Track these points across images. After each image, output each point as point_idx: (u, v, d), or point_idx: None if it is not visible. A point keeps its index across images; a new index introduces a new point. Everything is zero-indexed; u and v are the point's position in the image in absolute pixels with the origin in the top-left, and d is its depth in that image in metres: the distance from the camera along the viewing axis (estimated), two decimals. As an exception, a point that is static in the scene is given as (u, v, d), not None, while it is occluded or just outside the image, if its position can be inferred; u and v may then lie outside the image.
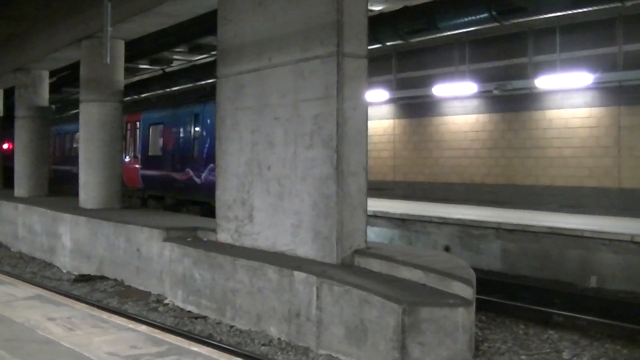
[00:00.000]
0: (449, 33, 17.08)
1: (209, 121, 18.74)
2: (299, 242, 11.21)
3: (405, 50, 24.12)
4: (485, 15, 15.22)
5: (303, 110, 11.18)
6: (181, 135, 20.63)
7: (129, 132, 23.31)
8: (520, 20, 15.82)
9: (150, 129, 22.62)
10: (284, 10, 11.68)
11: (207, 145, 18.84)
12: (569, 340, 10.80)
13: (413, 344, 8.73)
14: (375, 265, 10.46)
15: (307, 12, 11.20)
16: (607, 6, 14.85)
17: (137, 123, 23.14)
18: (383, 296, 9.00)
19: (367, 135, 10.94)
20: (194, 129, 19.91)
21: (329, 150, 10.64)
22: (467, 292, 9.32)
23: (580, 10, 14.95)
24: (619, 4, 14.24)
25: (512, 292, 13.99)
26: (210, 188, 16.11)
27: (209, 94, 19.64)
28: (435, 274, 9.70)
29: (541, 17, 16.08)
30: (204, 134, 19.24)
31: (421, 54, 24.14)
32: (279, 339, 10.34)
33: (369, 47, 11.27)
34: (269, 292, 10.66)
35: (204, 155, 18.95)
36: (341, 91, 10.56)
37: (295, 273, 10.23)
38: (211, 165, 17.14)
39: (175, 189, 20.70)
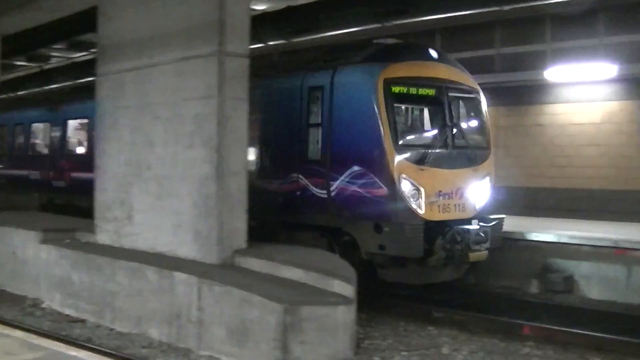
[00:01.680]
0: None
1: (344, 98, 12.47)
2: (179, 242, 11.14)
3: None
4: (369, 17, 15.37)
5: (184, 109, 11.11)
6: (279, 122, 13.62)
7: None
8: (403, 22, 15.84)
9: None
10: (166, 8, 11.58)
11: (341, 137, 12.47)
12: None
13: (294, 343, 8.77)
14: (256, 265, 10.50)
15: (190, 11, 11.14)
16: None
17: None
18: (264, 296, 9.02)
19: (247, 134, 10.95)
20: (314, 112, 12.99)
21: (210, 150, 10.60)
22: (348, 290, 9.45)
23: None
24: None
25: None
26: (346, 205, 12.30)
27: (339, 54, 13.40)
28: (316, 272, 9.80)
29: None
30: (335, 119, 12.54)
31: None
32: (159, 341, 10.21)
33: (251, 47, 11.28)
34: (148, 293, 10.52)
35: (336, 153, 12.48)
36: (222, 90, 10.53)
37: (176, 274, 10.13)
38: (354, 168, 12.12)
39: (266, 207, 13.22)
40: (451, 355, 9.94)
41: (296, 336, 8.77)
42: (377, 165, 11.95)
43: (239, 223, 10.86)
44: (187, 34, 11.13)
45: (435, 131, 12.70)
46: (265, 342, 8.89)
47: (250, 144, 11.96)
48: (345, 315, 9.16)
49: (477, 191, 12.55)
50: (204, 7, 10.89)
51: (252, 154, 12.96)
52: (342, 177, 12.19)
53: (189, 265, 10.48)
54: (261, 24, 16.62)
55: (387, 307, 12.54)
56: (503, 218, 12.86)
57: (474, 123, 13.30)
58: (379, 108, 11.88)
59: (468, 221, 12.33)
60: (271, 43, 18.04)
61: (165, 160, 11.37)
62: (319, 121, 12.66)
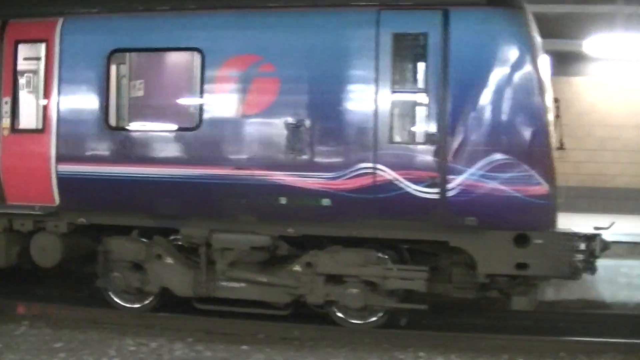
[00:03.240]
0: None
1: (472, 55, 9.46)
2: None
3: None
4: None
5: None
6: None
7: None
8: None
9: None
10: None
11: (471, 110, 9.38)
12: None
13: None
14: None
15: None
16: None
17: None
18: None
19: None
20: (407, 71, 9.91)
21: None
22: None
23: None
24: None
25: None
26: (472, 209, 9.42)
27: None
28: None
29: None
30: (456, 83, 9.41)
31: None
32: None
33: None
34: None
35: (460, 133, 9.38)
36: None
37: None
38: (494, 157, 9.27)
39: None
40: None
41: None
42: (532, 153, 9.37)
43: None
44: None
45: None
46: None
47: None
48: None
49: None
50: None
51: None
52: (471, 169, 9.35)
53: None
54: None
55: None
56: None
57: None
58: (537, 72, 9.41)
59: None
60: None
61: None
62: (422, 86, 9.57)
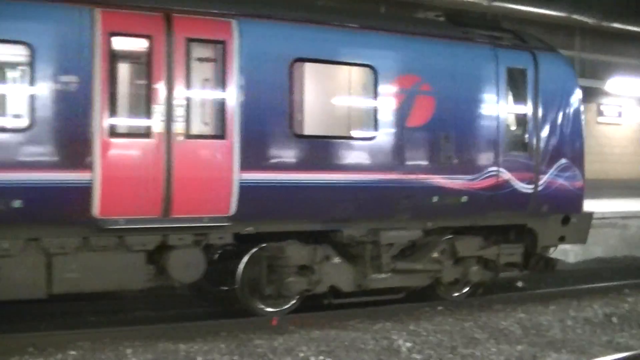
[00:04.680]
0: None
1: (551, 87, 12.94)
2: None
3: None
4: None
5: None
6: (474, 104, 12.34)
7: None
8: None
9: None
10: None
11: (549, 128, 12.90)
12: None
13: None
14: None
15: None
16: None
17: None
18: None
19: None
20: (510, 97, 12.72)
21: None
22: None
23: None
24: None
25: None
26: (547, 199, 12.87)
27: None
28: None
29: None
30: (543, 108, 12.86)
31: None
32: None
33: None
34: None
35: (545, 145, 12.89)
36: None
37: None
38: (561, 161, 13.08)
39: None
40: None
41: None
42: (579, 158, 13.28)
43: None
44: None
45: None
46: None
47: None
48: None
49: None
50: None
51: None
52: (550, 171, 12.84)
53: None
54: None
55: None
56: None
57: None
58: (579, 103, 13.44)
59: None
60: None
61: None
62: (525, 108, 12.78)
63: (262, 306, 11.26)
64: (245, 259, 11.04)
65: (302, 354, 9.34)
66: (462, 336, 10.68)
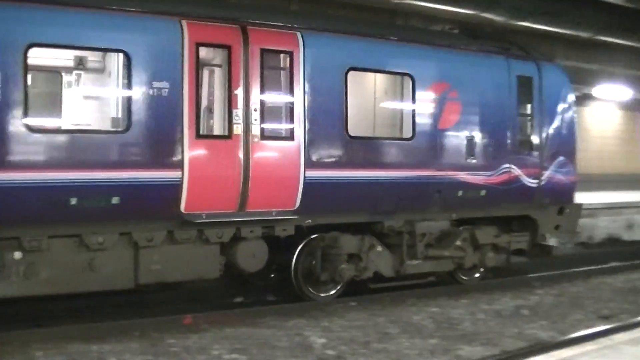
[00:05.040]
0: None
1: (551, 93, 14.66)
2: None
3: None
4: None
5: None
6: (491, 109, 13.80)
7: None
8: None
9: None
10: None
11: (552, 129, 14.67)
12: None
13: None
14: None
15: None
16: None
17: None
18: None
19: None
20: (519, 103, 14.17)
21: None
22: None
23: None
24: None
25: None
26: (548, 193, 14.53)
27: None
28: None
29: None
30: (546, 112, 14.58)
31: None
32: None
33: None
34: None
35: (548, 144, 14.60)
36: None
37: None
38: (560, 158, 14.76)
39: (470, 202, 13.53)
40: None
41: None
42: (573, 155, 15.04)
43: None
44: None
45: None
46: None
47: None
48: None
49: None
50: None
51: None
52: (551, 167, 14.53)
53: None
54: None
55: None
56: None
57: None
58: (573, 107, 15.29)
59: None
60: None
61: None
62: (531, 112, 14.40)
63: (315, 292, 12.37)
64: (298, 249, 12.11)
65: (215, 352, 9.55)
66: (375, 331, 10.92)
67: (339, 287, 12.56)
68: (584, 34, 20.85)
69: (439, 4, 17.57)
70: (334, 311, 11.97)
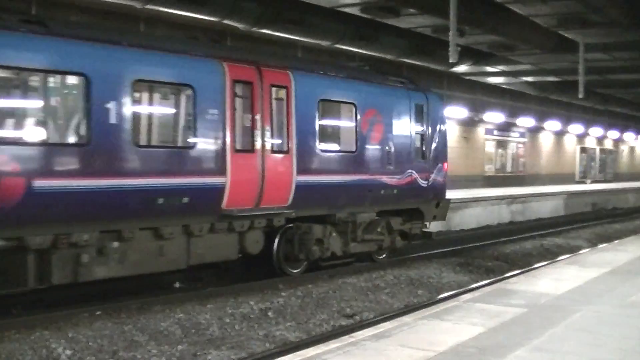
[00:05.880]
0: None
1: (434, 116, 19.33)
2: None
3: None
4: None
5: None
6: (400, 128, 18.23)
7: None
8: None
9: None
10: None
11: (436, 143, 19.37)
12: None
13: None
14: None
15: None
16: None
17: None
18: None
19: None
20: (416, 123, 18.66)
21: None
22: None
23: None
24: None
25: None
26: (434, 191, 19.25)
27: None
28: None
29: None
30: (431, 130, 19.19)
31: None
32: None
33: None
34: None
35: (433, 155, 19.25)
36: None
37: None
38: (438, 165, 19.48)
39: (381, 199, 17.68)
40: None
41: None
42: (445, 161, 19.83)
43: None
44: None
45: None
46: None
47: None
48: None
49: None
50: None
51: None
52: (434, 171, 19.19)
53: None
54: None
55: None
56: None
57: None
58: (446, 125, 20.37)
59: None
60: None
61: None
62: (423, 128, 18.84)
63: (290, 269, 16.13)
64: (278, 236, 15.72)
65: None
66: (122, 340, 10.99)
67: (304, 265, 16.41)
68: (324, 43, 22.84)
69: (183, 10, 18.26)
70: (79, 321, 11.78)
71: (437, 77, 30.94)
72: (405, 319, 10.11)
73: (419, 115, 18.87)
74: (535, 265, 18.81)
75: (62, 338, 10.85)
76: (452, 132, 35.97)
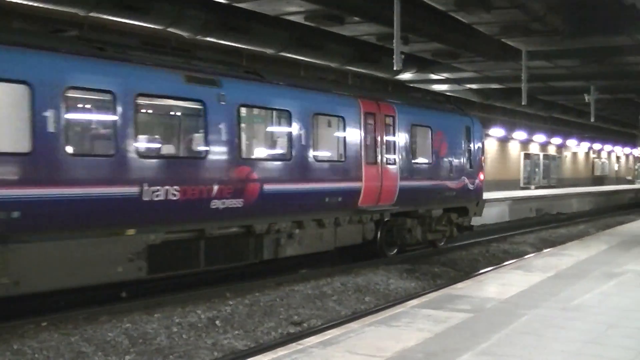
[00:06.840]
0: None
1: (476, 135, 24.24)
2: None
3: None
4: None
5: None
6: (457, 145, 23.18)
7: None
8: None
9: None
10: None
11: (477, 156, 24.18)
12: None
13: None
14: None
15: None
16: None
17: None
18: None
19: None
20: (465, 141, 23.54)
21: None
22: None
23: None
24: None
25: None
26: (471, 193, 23.89)
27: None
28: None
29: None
30: (475, 148, 24.05)
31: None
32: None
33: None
34: None
35: (476, 164, 24.04)
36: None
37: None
38: (479, 173, 24.45)
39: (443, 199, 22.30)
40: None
41: None
42: (483, 170, 24.66)
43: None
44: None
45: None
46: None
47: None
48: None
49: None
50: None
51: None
52: (477, 177, 24.07)
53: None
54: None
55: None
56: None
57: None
58: (484, 142, 25.74)
59: None
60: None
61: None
62: (470, 146, 23.82)
63: (389, 252, 20.79)
64: (381, 227, 19.90)
65: None
66: (69, 351, 10.81)
67: (396, 249, 21.16)
68: (268, 50, 22.88)
69: (126, 18, 18.05)
70: (25, 332, 11.53)
71: (382, 84, 31.04)
72: (353, 325, 10.21)
73: (467, 134, 23.60)
74: (482, 271, 19.10)
75: (7, 350, 10.70)
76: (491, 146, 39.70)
